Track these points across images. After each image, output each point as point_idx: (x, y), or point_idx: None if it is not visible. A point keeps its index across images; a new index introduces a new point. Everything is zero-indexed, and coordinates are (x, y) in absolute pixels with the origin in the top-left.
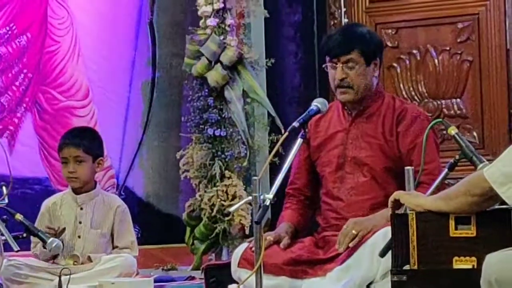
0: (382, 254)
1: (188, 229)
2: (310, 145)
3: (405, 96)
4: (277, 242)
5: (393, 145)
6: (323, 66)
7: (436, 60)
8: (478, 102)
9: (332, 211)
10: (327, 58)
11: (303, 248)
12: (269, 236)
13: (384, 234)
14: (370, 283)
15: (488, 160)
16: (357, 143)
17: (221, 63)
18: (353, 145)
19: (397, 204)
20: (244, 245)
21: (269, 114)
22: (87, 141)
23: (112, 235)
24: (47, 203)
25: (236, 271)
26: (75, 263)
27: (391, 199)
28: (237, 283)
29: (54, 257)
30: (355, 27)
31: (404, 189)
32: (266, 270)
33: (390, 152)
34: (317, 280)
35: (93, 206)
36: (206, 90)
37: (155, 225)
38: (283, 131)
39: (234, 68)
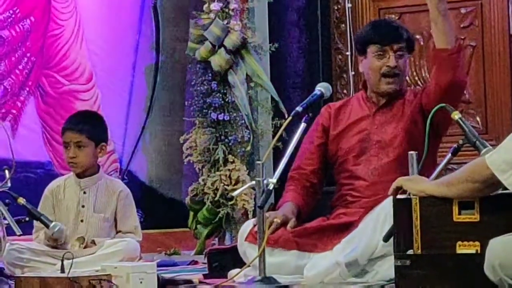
0: (386, 239)
1: (191, 214)
2: (329, 133)
3: (409, 81)
4: (284, 224)
5: (418, 117)
6: (361, 58)
7: None
8: (481, 88)
9: (352, 190)
10: (372, 48)
11: (313, 222)
12: (276, 219)
13: (390, 205)
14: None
15: (491, 145)
16: (382, 129)
17: (225, 47)
18: (378, 130)
19: (399, 191)
20: (252, 221)
21: (272, 98)
22: (90, 126)
23: (115, 219)
24: (51, 186)
25: (243, 245)
26: (81, 245)
27: (393, 186)
28: (240, 267)
29: (56, 242)
30: (392, 19)
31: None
32: (276, 244)
33: (415, 132)
34: (324, 255)
35: (96, 190)
36: (210, 75)
37: (158, 210)
38: (286, 115)
39: (238, 52)
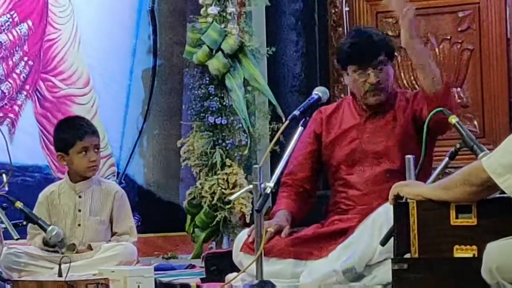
0: (383, 242)
1: (188, 217)
2: (321, 140)
3: (406, 85)
4: (278, 232)
5: (411, 127)
6: (345, 73)
7: (436, 49)
8: (479, 91)
9: (346, 198)
10: (352, 67)
11: (308, 230)
12: (270, 228)
13: (386, 211)
14: (370, 266)
15: (489, 149)
16: (373, 138)
17: (222, 51)
18: (369, 140)
19: (398, 198)
20: (246, 231)
21: (270, 102)
22: (96, 129)
23: (111, 221)
24: (45, 192)
25: (238, 256)
26: (72, 252)
27: (390, 195)
28: (237, 271)
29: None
30: (369, 31)
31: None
32: (271, 253)
33: (408, 139)
34: (319, 262)
35: (91, 194)
36: (207, 78)
37: (156, 213)
38: (283, 119)
39: (235, 56)
